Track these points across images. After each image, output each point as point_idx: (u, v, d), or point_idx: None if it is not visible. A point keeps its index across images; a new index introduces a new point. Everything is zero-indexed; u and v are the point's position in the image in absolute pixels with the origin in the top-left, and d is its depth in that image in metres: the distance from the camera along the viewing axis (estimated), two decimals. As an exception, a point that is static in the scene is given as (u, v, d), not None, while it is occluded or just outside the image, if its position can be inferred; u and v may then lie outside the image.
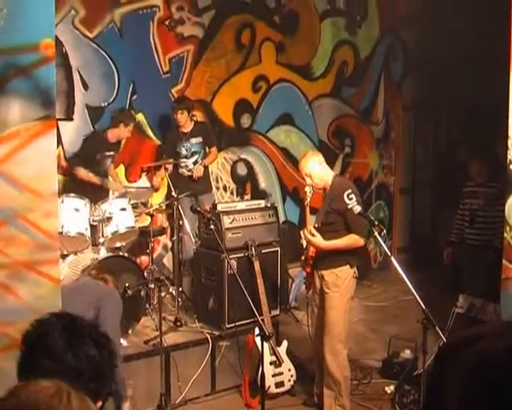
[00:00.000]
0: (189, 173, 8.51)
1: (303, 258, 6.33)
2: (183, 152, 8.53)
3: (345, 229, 5.91)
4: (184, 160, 8.53)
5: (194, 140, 8.58)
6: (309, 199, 6.02)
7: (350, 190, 5.84)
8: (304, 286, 6.89)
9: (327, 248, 5.94)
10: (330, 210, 5.97)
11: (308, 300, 6.71)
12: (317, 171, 6.05)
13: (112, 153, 8.26)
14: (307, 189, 6.05)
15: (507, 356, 1.33)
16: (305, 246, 6.27)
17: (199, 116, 9.27)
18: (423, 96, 11.40)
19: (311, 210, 6.07)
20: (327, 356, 6.03)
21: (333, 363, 6.03)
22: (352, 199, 5.76)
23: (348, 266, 6.00)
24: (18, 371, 2.10)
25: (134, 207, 7.75)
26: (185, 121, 8.43)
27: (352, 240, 5.88)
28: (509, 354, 1.33)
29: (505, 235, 6.32)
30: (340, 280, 5.98)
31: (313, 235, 5.90)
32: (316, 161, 6.10)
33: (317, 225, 6.06)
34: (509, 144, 6.19)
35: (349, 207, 5.70)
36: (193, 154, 8.59)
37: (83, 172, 7.86)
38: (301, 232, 6.09)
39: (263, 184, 10.15)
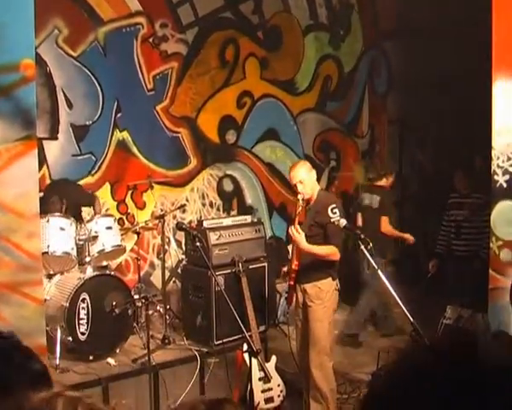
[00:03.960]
0: None
1: (285, 270, 6.32)
2: None
3: (325, 242, 5.90)
4: None
5: None
6: (300, 208, 6.00)
7: (334, 205, 5.85)
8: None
9: (306, 250, 5.89)
10: (313, 223, 5.96)
11: (290, 314, 6.70)
12: (309, 179, 6.04)
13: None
14: (300, 196, 6.02)
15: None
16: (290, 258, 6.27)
17: (184, 134, 9.30)
18: (408, 109, 11.42)
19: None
20: (313, 370, 6.01)
21: (319, 376, 6.02)
22: (335, 213, 5.76)
23: (330, 279, 6.00)
24: None
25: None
26: None
27: (331, 250, 5.86)
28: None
29: (491, 245, 6.36)
30: (323, 293, 5.98)
31: (298, 232, 5.87)
32: (308, 170, 6.09)
33: None
34: (493, 155, 6.23)
35: (332, 220, 5.71)
36: None
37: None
38: (289, 229, 6.04)
39: (249, 200, 10.14)
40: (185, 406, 1.75)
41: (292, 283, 6.20)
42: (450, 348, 1.27)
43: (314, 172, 6.13)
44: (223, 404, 1.76)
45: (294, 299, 6.27)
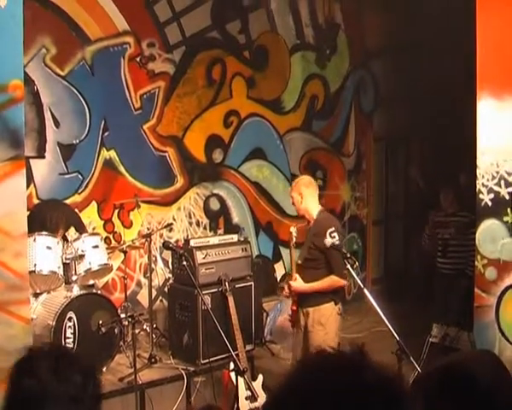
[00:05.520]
0: None
1: (286, 289, 6.24)
2: None
3: (326, 267, 5.88)
4: None
5: None
6: (294, 239, 6.00)
7: (333, 228, 5.79)
8: (279, 319, 6.84)
9: (308, 291, 5.94)
10: (312, 246, 5.94)
11: (290, 336, 6.67)
12: (297, 198, 6.02)
13: None
14: (292, 229, 6.02)
15: None
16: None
17: (170, 153, 9.32)
18: (394, 127, 11.48)
19: (287, 244, 6.08)
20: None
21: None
22: (334, 237, 5.73)
23: (333, 303, 5.96)
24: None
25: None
26: None
27: (331, 281, 5.85)
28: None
29: (476, 263, 6.39)
30: (325, 318, 5.94)
31: (295, 279, 5.94)
32: (308, 190, 6.04)
33: (299, 262, 6.06)
34: (478, 174, 6.28)
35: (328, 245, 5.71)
36: None
37: None
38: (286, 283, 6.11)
39: (236, 219, 10.14)
40: None
41: (295, 307, 6.19)
42: (331, 371, 1.31)
43: (307, 191, 6.05)
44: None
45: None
